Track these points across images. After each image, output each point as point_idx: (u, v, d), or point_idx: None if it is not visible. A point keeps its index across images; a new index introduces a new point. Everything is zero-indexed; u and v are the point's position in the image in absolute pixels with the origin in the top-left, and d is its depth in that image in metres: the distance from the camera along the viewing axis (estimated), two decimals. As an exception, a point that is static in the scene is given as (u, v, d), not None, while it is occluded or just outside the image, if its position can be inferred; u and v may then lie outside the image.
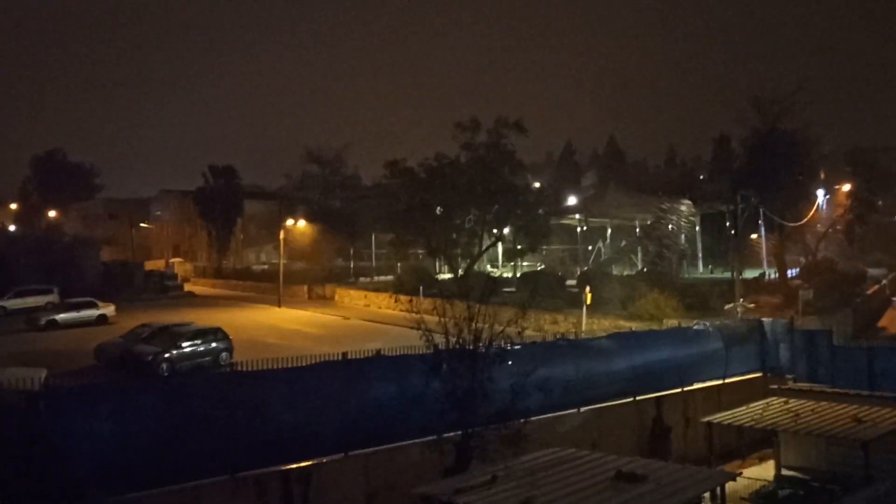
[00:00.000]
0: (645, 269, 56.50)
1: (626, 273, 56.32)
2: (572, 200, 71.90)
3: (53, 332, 40.33)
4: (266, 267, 76.87)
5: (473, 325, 15.17)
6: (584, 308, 37.89)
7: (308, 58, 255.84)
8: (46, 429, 12.80)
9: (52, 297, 47.54)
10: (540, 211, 55.08)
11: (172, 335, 30.54)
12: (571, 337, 26.21)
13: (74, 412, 13.33)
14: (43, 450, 12.47)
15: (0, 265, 53.33)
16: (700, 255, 64.30)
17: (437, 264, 62.84)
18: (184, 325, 32.81)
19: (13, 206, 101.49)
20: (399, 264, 64.48)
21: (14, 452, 12.33)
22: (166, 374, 27.64)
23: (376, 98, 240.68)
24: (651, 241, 59.96)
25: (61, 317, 42.68)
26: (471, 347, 15.11)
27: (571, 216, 67.20)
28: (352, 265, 69.96)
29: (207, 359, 29.84)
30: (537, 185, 65.33)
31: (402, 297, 45.63)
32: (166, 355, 28.84)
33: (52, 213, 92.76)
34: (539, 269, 63.38)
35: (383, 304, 51.60)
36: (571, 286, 49.74)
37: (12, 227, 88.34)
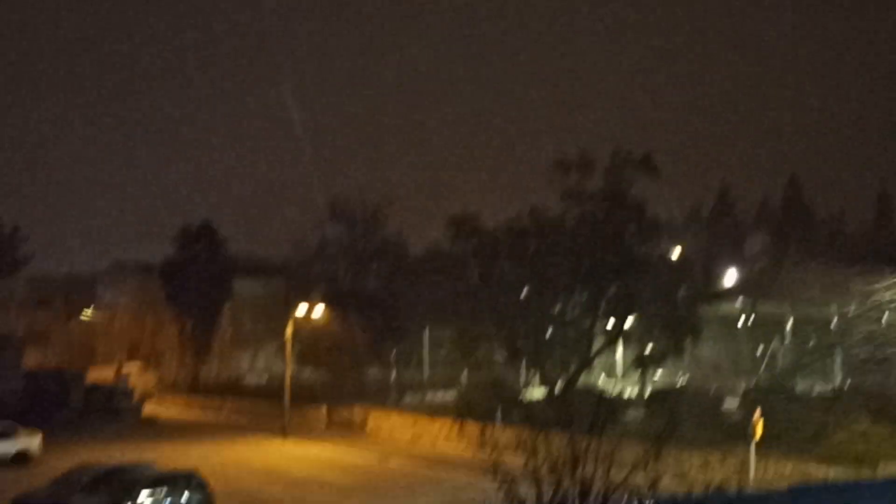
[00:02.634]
0: (847, 385, 55.86)
1: (817, 390, 55.86)
2: (731, 278, 71.01)
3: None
4: (265, 378, 77.48)
5: (580, 470, 15.18)
6: (753, 444, 37.63)
7: (328, 74, 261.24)
8: None
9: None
10: (682, 294, 54.55)
11: (124, 484, 30.71)
12: (733, 491, 25.99)
13: None
14: None
15: None
16: (935, 361, 62.83)
17: (524, 375, 62.39)
18: (141, 467, 33.04)
19: None
20: (465, 375, 64.54)
21: None
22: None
23: (431, 133, 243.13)
24: (857, 342, 58.82)
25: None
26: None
27: (731, 303, 66.50)
28: (393, 376, 69.93)
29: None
30: (678, 253, 64.85)
31: (470, 426, 45.39)
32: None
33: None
34: (680, 383, 62.94)
35: (441, 437, 51.87)
36: (731, 411, 49.69)
37: None
